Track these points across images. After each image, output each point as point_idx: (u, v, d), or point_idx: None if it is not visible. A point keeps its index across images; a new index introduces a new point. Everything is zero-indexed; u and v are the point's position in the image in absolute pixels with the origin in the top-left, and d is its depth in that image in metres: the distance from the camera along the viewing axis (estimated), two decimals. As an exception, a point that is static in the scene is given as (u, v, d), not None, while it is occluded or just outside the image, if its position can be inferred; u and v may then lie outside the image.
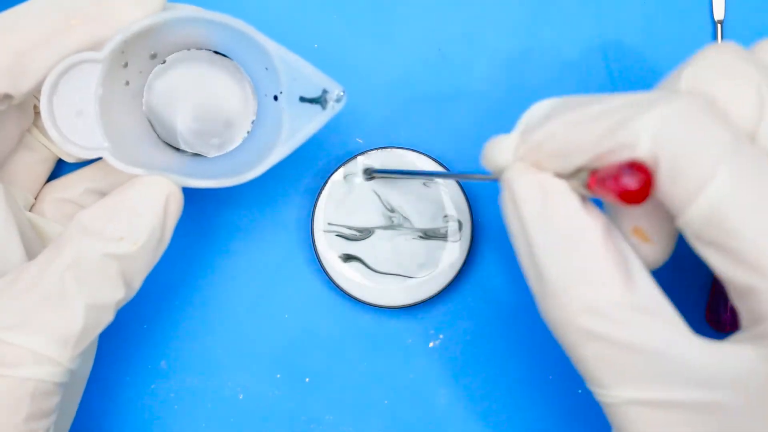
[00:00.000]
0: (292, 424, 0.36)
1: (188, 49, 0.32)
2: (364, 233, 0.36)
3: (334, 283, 0.35)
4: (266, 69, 0.30)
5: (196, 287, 0.37)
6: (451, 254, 0.35)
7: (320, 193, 0.35)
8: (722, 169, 0.22)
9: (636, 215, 0.26)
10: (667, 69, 0.37)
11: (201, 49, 0.32)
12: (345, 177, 0.36)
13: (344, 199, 0.36)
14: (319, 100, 0.30)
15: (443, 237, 0.35)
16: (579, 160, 0.25)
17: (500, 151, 0.26)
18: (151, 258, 0.29)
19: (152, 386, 0.36)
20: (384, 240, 0.35)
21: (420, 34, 0.37)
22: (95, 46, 0.29)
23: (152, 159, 0.31)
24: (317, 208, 0.35)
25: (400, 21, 0.37)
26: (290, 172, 0.37)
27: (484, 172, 0.28)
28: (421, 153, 0.36)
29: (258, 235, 0.37)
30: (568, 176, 0.25)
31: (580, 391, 0.36)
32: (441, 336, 0.37)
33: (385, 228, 0.36)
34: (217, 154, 0.33)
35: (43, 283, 0.27)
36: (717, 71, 0.25)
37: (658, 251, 0.26)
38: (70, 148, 0.29)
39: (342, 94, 0.29)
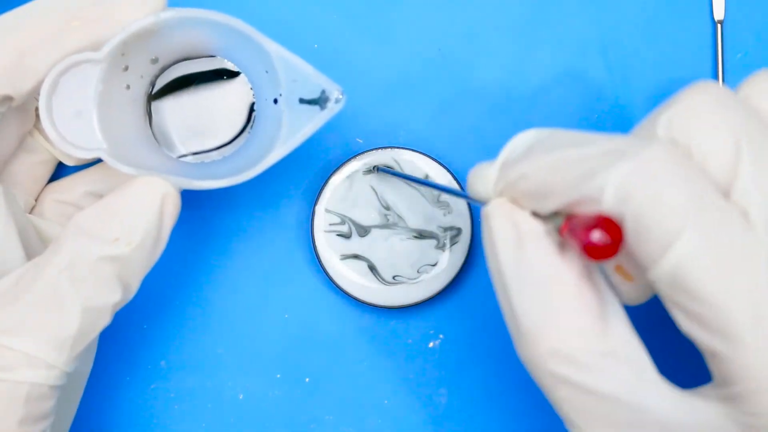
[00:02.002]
0: (292, 424, 0.36)
1: (191, 59, 0.32)
2: (361, 231, 0.36)
3: (334, 283, 0.35)
4: (266, 72, 0.30)
5: (196, 287, 0.37)
6: (451, 255, 0.35)
7: (320, 193, 0.35)
8: (686, 231, 0.21)
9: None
10: (667, 69, 0.37)
11: (202, 57, 0.32)
12: (347, 176, 0.36)
13: (344, 198, 0.36)
14: (318, 101, 0.29)
15: (439, 241, 0.35)
16: (552, 204, 0.24)
17: (481, 182, 0.26)
18: (147, 259, 0.28)
19: (152, 386, 0.36)
20: (381, 239, 0.35)
21: (420, 34, 0.37)
22: (96, 48, 0.29)
23: (151, 162, 0.31)
24: (317, 208, 0.35)
25: (400, 21, 0.37)
26: (290, 172, 0.37)
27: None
28: (421, 153, 0.36)
29: (258, 236, 0.37)
30: (546, 217, 0.25)
31: (580, 391, 0.36)
32: (441, 336, 0.36)
33: (381, 227, 0.36)
34: (216, 158, 0.33)
35: (38, 286, 0.27)
36: (694, 119, 0.24)
37: (640, 290, 0.26)
38: (67, 148, 0.29)
39: (341, 95, 0.29)
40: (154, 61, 0.31)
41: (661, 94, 0.37)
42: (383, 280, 0.35)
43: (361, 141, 0.37)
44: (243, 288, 0.37)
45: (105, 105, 0.29)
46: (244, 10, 0.37)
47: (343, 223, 0.35)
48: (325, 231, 0.35)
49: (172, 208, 0.29)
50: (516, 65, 0.37)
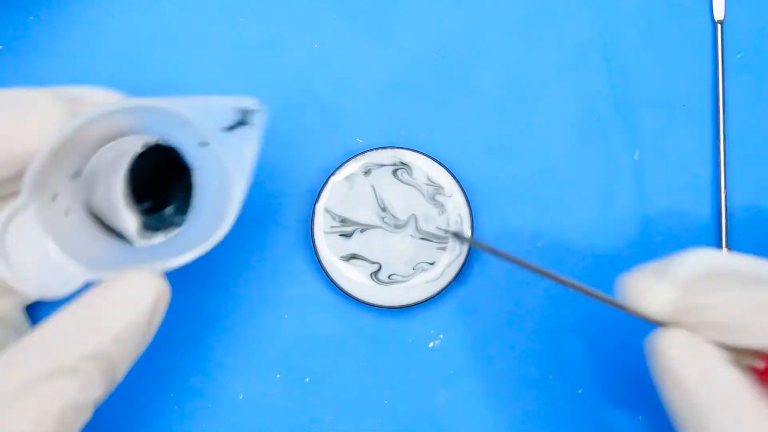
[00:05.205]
0: (292, 424, 0.36)
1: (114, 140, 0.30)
2: (361, 230, 0.36)
3: (334, 283, 0.35)
4: (182, 126, 0.29)
5: (196, 287, 0.37)
6: (451, 255, 0.35)
7: (320, 193, 0.35)
8: None
9: None
10: (667, 69, 0.37)
11: (123, 135, 0.30)
12: (346, 177, 0.36)
13: (344, 198, 0.36)
14: (242, 122, 0.28)
15: (440, 241, 0.35)
16: (747, 342, 0.23)
17: (647, 297, 0.25)
18: (134, 354, 0.27)
19: (152, 386, 0.36)
20: (378, 238, 0.35)
21: (420, 34, 0.37)
22: (9, 165, 0.27)
23: (125, 261, 0.29)
24: (317, 208, 0.35)
25: (400, 21, 0.37)
26: (290, 172, 0.37)
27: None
28: (421, 153, 0.36)
29: (258, 236, 0.37)
30: (726, 347, 0.24)
31: (580, 391, 0.36)
32: (441, 336, 0.36)
33: (380, 227, 0.36)
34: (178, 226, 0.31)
35: (12, 383, 0.25)
36: None
37: None
38: (52, 291, 0.27)
39: (257, 105, 0.28)
40: (76, 174, 0.29)
41: (661, 94, 0.37)
42: (378, 279, 0.35)
43: (361, 141, 0.37)
44: (243, 288, 0.37)
45: (60, 236, 0.28)
46: (243, 9, 0.37)
47: (343, 222, 0.36)
48: (325, 231, 0.35)
49: (164, 304, 0.28)
50: (516, 65, 0.37)
